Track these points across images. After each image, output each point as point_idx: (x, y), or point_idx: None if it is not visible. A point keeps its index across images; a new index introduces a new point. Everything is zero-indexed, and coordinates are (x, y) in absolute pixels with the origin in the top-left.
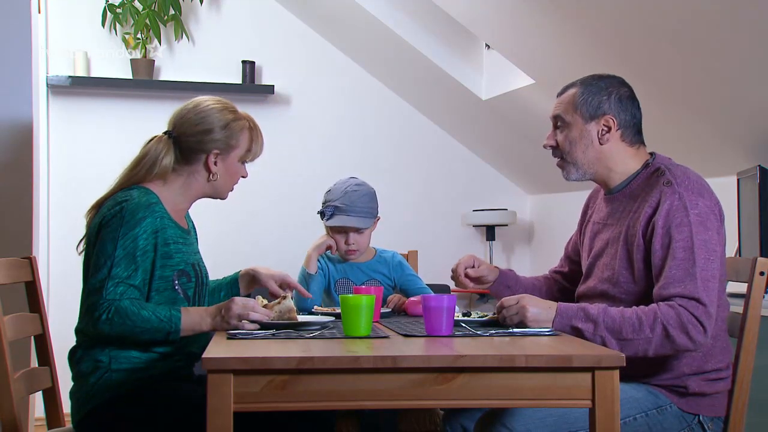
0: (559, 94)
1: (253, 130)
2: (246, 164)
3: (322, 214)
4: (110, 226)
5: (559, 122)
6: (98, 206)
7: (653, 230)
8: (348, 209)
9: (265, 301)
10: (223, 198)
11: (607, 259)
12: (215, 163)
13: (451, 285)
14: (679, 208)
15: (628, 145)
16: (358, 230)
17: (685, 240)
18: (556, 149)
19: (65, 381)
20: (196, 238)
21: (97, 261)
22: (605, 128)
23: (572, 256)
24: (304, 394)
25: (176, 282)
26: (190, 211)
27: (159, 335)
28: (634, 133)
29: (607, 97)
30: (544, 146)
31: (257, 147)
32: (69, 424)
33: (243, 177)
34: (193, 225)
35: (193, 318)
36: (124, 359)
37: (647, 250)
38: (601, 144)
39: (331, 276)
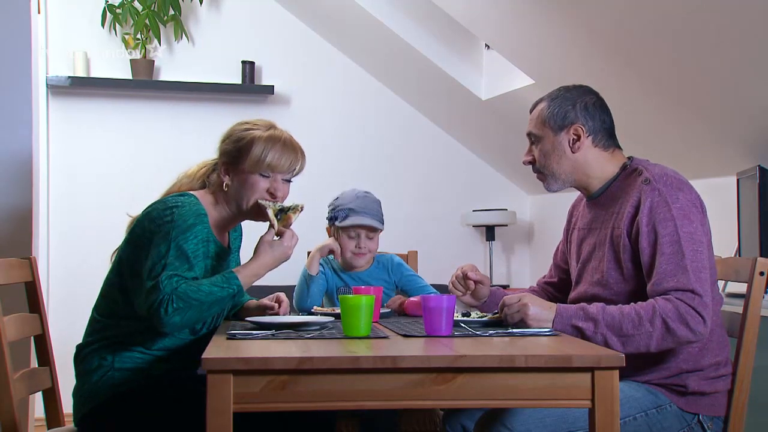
0: (530, 111)
1: (269, 140)
2: (267, 177)
3: (334, 217)
4: (161, 230)
5: (532, 138)
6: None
7: (638, 229)
8: (362, 211)
9: (271, 206)
10: (250, 216)
11: (595, 262)
12: (226, 174)
13: None
14: (660, 204)
15: (602, 150)
16: (371, 232)
17: (671, 234)
18: (534, 164)
19: (65, 381)
20: (237, 255)
21: (151, 262)
22: (575, 137)
23: (561, 265)
24: (304, 394)
25: None
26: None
27: (227, 301)
28: (607, 138)
29: (572, 107)
30: (523, 162)
31: (265, 154)
32: (69, 425)
33: (272, 194)
34: (240, 236)
35: (247, 269)
36: (128, 359)
37: (634, 250)
38: (573, 153)
39: (331, 284)
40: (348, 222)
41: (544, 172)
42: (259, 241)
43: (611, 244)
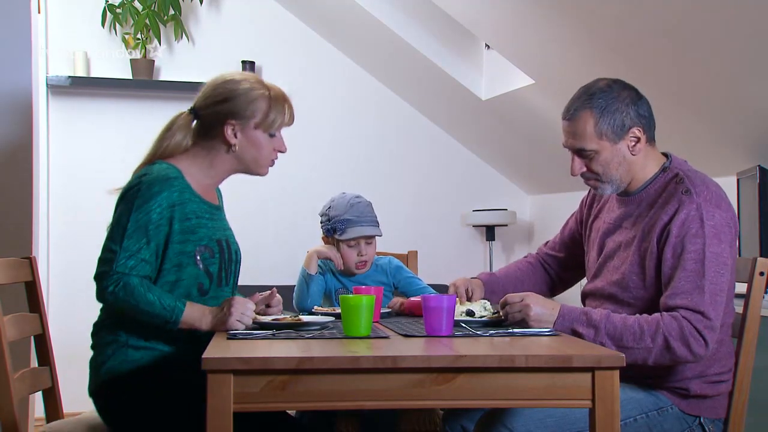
0: (569, 118)
1: (273, 99)
2: (274, 136)
3: (332, 230)
4: (127, 198)
5: (586, 153)
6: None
7: (667, 237)
8: (360, 220)
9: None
10: (260, 173)
11: (618, 261)
12: (235, 135)
13: None
14: (695, 218)
15: (650, 145)
16: (370, 240)
17: (697, 252)
18: (586, 172)
19: (65, 381)
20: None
21: (111, 232)
22: (634, 140)
23: (567, 243)
24: (304, 394)
25: (198, 257)
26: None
27: (158, 321)
28: (653, 129)
29: (626, 110)
30: (574, 175)
31: (276, 115)
32: None
33: (280, 150)
34: (220, 196)
35: (194, 314)
36: (142, 335)
37: (659, 258)
38: (633, 155)
39: (329, 286)
40: (349, 235)
41: (601, 179)
42: (231, 298)
43: (639, 247)
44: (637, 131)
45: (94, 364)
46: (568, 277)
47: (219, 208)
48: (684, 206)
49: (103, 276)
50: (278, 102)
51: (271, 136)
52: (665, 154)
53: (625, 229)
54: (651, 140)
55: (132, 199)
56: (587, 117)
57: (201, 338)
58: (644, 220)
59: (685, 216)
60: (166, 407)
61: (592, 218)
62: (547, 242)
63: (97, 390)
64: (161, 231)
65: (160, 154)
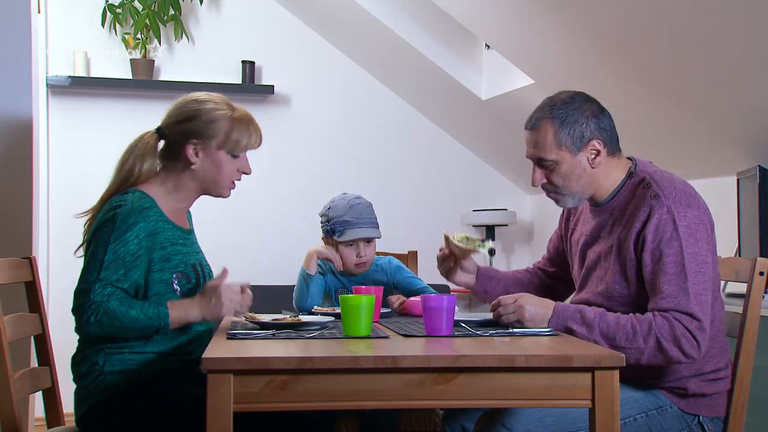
0: (530, 127)
1: (235, 120)
2: (237, 158)
3: (331, 231)
4: (103, 230)
5: (546, 163)
6: (94, 211)
7: (643, 244)
8: (359, 222)
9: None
10: (221, 195)
11: (600, 272)
12: (196, 154)
13: (451, 285)
14: (668, 221)
15: (613, 157)
16: (369, 241)
17: (675, 254)
18: (547, 184)
19: (65, 381)
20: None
21: (88, 264)
22: (594, 152)
23: (554, 259)
24: (304, 394)
25: (175, 284)
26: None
27: (149, 332)
28: (616, 143)
29: (586, 122)
30: (534, 185)
31: (239, 136)
32: (69, 424)
33: (244, 172)
34: (190, 217)
35: (179, 311)
36: (117, 361)
37: (639, 264)
38: (593, 168)
39: (329, 286)
40: (347, 237)
41: (562, 192)
42: (216, 286)
43: (618, 256)
44: (597, 144)
45: (77, 396)
46: (563, 289)
47: (190, 232)
48: (655, 211)
49: (82, 308)
50: (241, 123)
51: (234, 157)
52: (630, 158)
53: (603, 239)
54: (613, 153)
55: (109, 231)
56: (547, 126)
57: (185, 348)
58: (619, 229)
59: (657, 220)
60: (149, 427)
61: (570, 232)
62: (539, 261)
63: (80, 420)
64: (140, 262)
65: (132, 180)
